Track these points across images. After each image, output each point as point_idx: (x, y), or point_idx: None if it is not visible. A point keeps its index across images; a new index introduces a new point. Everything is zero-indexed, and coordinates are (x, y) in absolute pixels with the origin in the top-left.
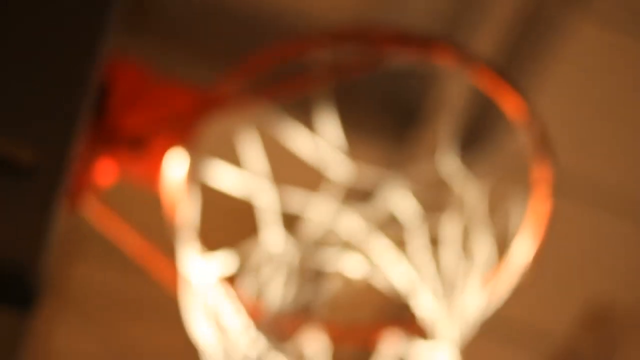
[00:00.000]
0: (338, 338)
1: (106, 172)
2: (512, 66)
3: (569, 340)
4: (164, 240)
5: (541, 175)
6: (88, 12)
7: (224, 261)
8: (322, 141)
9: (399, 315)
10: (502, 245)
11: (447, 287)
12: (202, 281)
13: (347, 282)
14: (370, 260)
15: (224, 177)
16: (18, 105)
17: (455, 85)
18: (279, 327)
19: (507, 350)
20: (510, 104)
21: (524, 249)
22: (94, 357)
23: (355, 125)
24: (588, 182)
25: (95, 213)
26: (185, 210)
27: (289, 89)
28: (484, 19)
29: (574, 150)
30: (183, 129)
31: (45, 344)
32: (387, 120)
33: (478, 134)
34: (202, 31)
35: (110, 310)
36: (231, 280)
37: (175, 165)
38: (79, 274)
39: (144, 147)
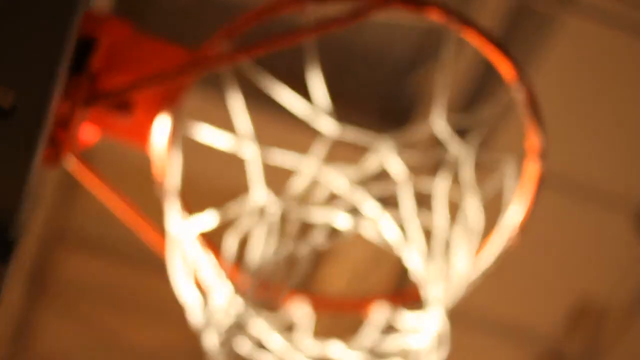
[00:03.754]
0: (322, 308)
1: (91, 129)
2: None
3: (555, 337)
4: (147, 200)
5: (531, 140)
6: None
7: (208, 221)
8: (310, 100)
9: (393, 288)
10: (493, 209)
11: (437, 249)
12: (185, 240)
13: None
14: (359, 217)
15: (208, 136)
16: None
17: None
18: (262, 290)
19: (494, 347)
20: (501, 65)
21: (514, 213)
22: (77, 346)
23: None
24: (576, 179)
25: (78, 170)
26: (170, 170)
27: (275, 45)
28: (473, 15)
29: (560, 145)
30: (169, 88)
31: (30, 333)
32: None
33: (472, 99)
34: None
35: (95, 300)
36: (215, 241)
37: (160, 124)
38: (65, 264)
39: (129, 106)
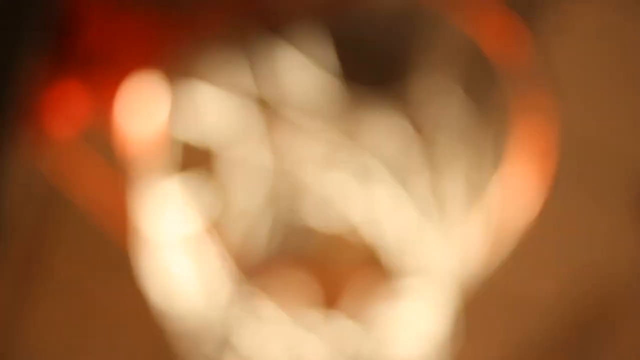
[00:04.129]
0: (325, 282)
1: (75, 100)
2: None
3: (560, 309)
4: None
5: (544, 108)
6: None
7: (206, 202)
8: (314, 68)
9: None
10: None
11: (443, 218)
12: (181, 225)
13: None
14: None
15: (206, 103)
16: None
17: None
18: (263, 272)
19: (500, 321)
20: (511, 35)
21: (529, 183)
22: (69, 340)
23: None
24: (582, 147)
25: (69, 153)
26: (162, 141)
27: (276, 14)
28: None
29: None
30: (154, 48)
31: (21, 337)
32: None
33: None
34: None
35: (88, 304)
36: (214, 223)
37: (145, 87)
38: (57, 266)
39: (111, 66)
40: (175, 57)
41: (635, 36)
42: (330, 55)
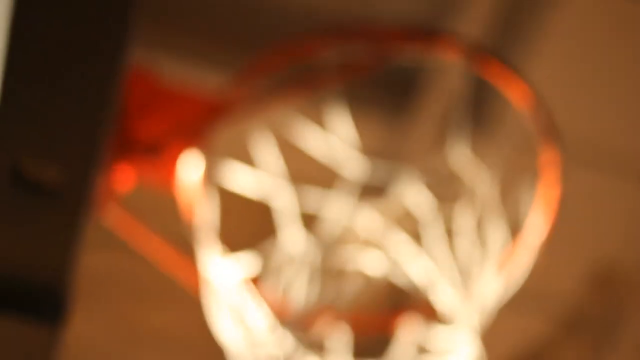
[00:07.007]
0: (358, 328)
1: (124, 178)
2: (505, 36)
3: (575, 301)
4: (185, 243)
5: (549, 160)
6: (109, 28)
7: (246, 261)
8: (335, 138)
9: (415, 302)
10: (515, 230)
11: (464, 276)
12: (225, 282)
13: (367, 279)
14: (388, 255)
15: (241, 178)
16: (43, 126)
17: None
18: (303, 324)
19: (513, 314)
20: (514, 91)
21: (535, 232)
22: (102, 341)
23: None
24: (589, 144)
25: (115, 219)
26: (204, 212)
27: (298, 89)
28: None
29: (574, 113)
30: (196, 132)
31: None
32: (385, 93)
33: (482, 115)
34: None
35: (117, 293)
36: (254, 280)
37: (190, 168)
38: (85, 260)
39: (159, 152)
40: (215, 137)
41: None
42: (350, 125)
